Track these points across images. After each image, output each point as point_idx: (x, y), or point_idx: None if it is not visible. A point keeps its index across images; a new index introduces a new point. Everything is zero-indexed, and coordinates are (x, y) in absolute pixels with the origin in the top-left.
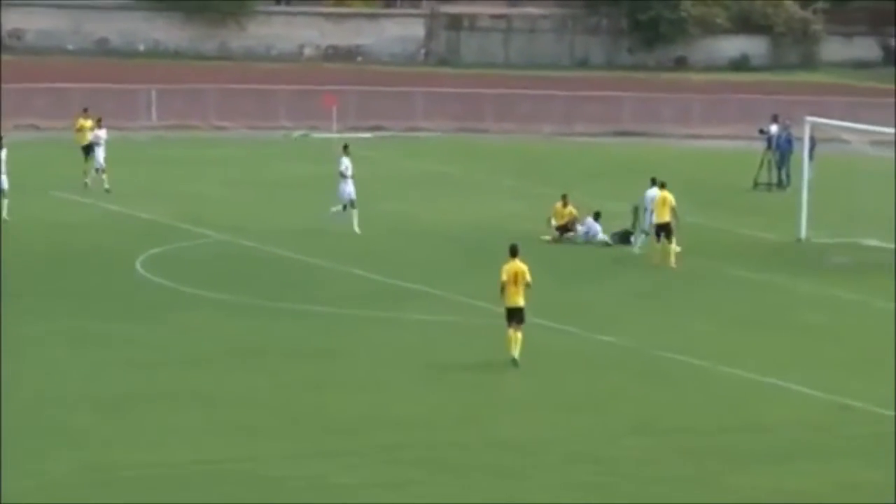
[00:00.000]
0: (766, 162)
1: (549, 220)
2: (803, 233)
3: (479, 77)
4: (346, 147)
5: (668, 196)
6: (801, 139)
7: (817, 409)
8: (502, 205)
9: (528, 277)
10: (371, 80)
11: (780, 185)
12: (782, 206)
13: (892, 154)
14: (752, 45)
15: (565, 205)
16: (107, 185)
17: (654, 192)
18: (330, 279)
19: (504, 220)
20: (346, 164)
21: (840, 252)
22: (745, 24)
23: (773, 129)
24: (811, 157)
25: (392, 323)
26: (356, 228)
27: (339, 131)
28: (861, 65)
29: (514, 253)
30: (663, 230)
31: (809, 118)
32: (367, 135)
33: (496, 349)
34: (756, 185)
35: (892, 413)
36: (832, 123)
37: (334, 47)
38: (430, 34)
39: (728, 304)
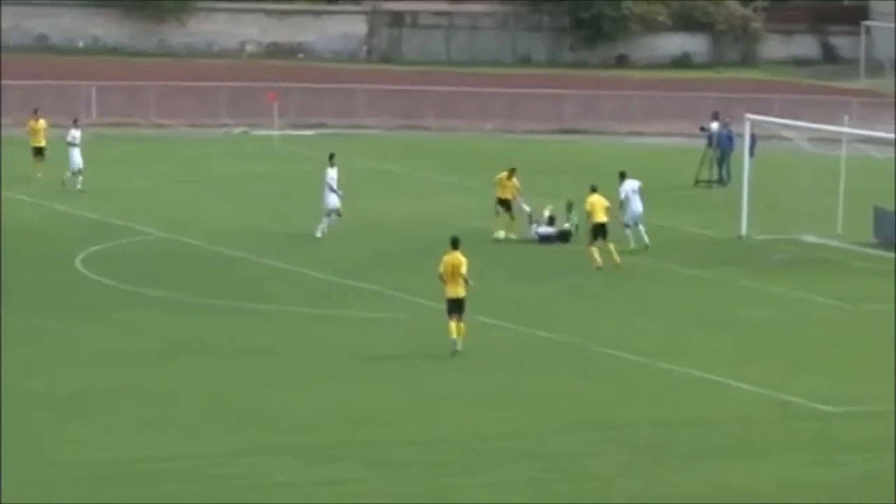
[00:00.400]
0: (707, 159)
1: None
2: (744, 230)
3: (422, 74)
4: (331, 157)
5: (602, 199)
6: (741, 136)
7: (757, 405)
8: (445, 201)
9: (464, 270)
10: (313, 78)
11: (720, 182)
12: (723, 203)
13: (831, 151)
14: (693, 43)
15: (510, 177)
16: (80, 186)
17: (631, 184)
18: (273, 277)
19: (447, 217)
20: (332, 175)
21: (780, 249)
22: (687, 22)
23: (714, 126)
24: (751, 154)
25: (335, 320)
26: (318, 234)
27: (280, 129)
28: (801, 62)
29: (454, 245)
30: (601, 231)
31: (750, 116)
32: (309, 132)
33: (438, 346)
34: (697, 182)
35: (831, 409)
36: (772, 121)
37: (276, 44)
38: (371, 31)
39: (669, 300)
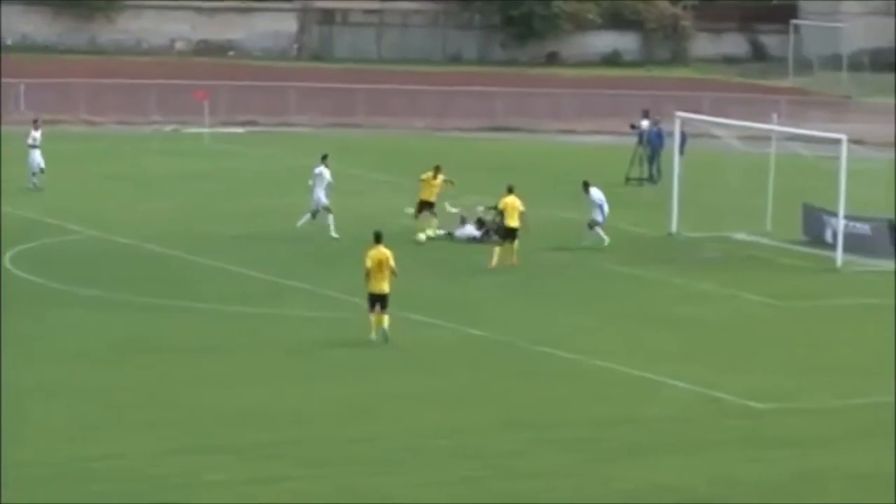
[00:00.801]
0: (637, 157)
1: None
2: (674, 227)
3: (352, 72)
4: (324, 158)
5: (517, 201)
6: (671, 135)
7: (689, 402)
8: (376, 200)
9: (392, 263)
10: (243, 75)
11: (651, 179)
12: (654, 201)
13: (761, 149)
14: (623, 41)
15: (435, 176)
16: (40, 185)
17: (598, 191)
18: (206, 276)
19: (378, 215)
20: (323, 173)
21: (710, 246)
22: (617, 21)
23: (645, 124)
24: (681, 152)
25: (269, 319)
26: (333, 233)
27: (211, 126)
28: (730, 61)
29: (378, 239)
30: (511, 234)
31: (680, 114)
32: (240, 130)
33: (373, 344)
34: (628, 180)
35: (762, 406)
36: (702, 119)
37: (206, 42)
38: (302, 29)
39: (600, 298)
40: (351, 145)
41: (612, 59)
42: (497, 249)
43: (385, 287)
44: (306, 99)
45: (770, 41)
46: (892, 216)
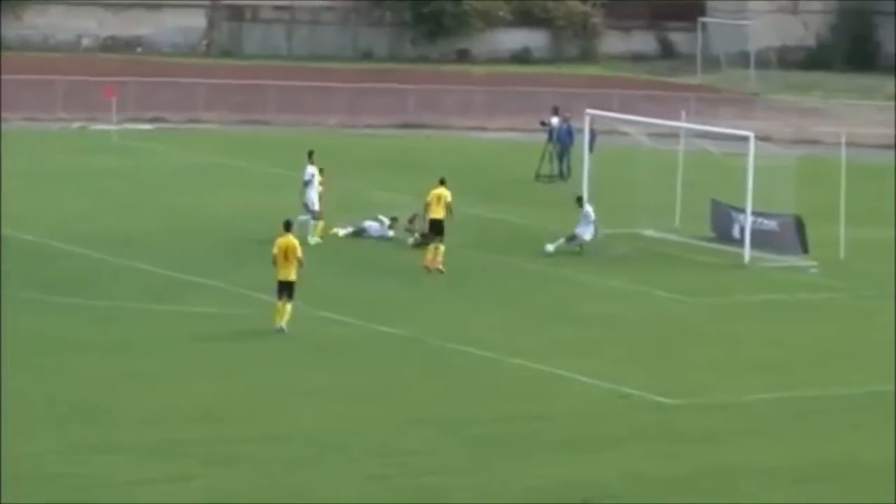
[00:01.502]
0: (547, 154)
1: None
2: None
3: (262, 69)
4: (310, 154)
5: (445, 192)
6: (581, 131)
7: (599, 398)
8: (286, 197)
9: (300, 254)
10: (151, 72)
11: (561, 176)
12: (564, 198)
13: (669, 146)
14: (533, 39)
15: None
16: None
17: (589, 209)
18: (112, 273)
19: (287, 212)
20: (310, 172)
21: (620, 243)
22: (526, 18)
23: (555, 121)
24: (591, 149)
25: (177, 316)
26: (311, 240)
27: (118, 123)
28: (639, 58)
29: (287, 228)
30: (436, 227)
31: (589, 111)
32: (148, 126)
33: (281, 341)
34: (538, 176)
35: (671, 401)
36: (612, 116)
37: (113, 38)
38: (211, 25)
39: (511, 295)
40: (261, 143)
41: (523, 57)
42: (431, 247)
43: (292, 275)
44: (216, 96)
45: (679, 39)
46: (799, 212)
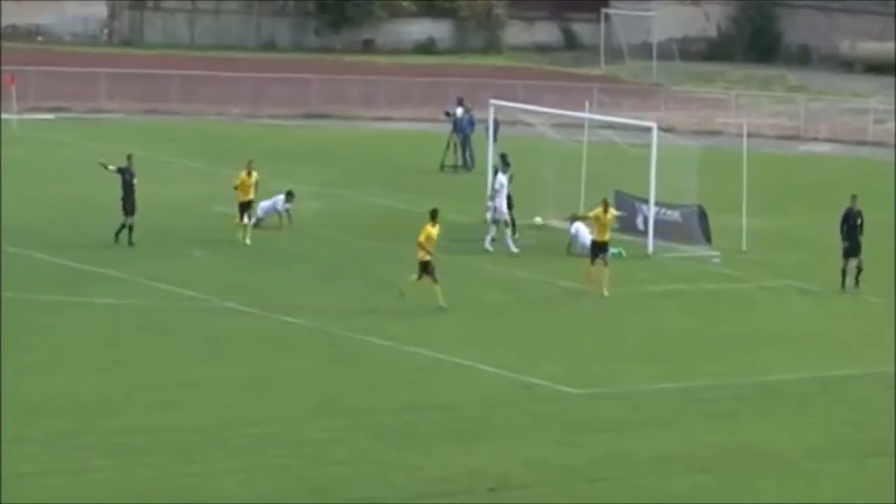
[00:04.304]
0: (452, 144)
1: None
2: (488, 214)
3: (165, 58)
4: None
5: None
6: (483, 121)
7: (502, 387)
8: (189, 187)
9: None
10: (52, 61)
11: (465, 166)
12: (468, 188)
13: (573, 136)
14: (437, 29)
15: (250, 173)
16: None
17: (504, 176)
18: (16, 264)
19: (191, 202)
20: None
21: (525, 233)
22: (431, 9)
23: (459, 112)
24: (495, 139)
25: (78, 307)
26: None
27: (19, 113)
28: (543, 49)
29: (433, 217)
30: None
31: (494, 101)
32: (49, 116)
33: (184, 332)
34: (443, 167)
35: (575, 391)
36: (516, 106)
37: (13, 26)
38: (113, 14)
39: (415, 285)
40: (164, 132)
41: (427, 47)
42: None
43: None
44: (118, 85)
45: (582, 30)
46: (702, 203)
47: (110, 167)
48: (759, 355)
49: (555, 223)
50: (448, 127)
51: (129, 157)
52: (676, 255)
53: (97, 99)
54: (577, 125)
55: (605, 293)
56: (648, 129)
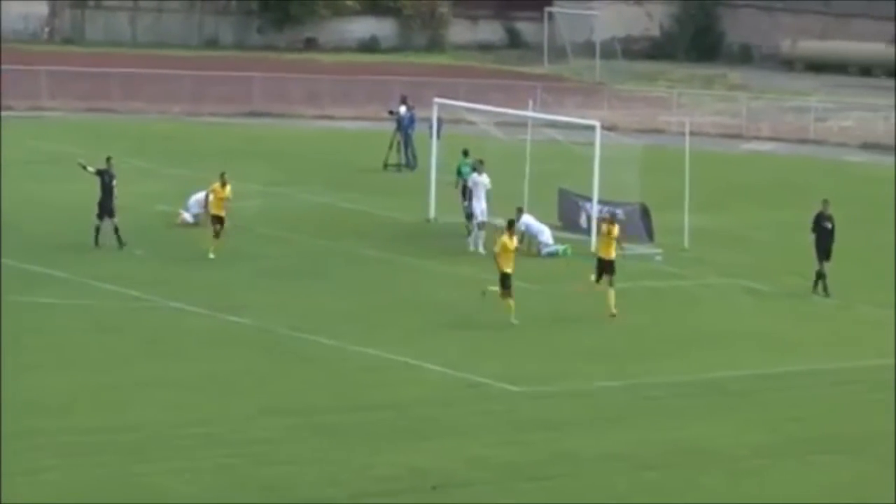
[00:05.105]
0: (395, 143)
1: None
2: (432, 213)
3: (106, 56)
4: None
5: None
6: (425, 120)
7: (448, 386)
8: (131, 186)
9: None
10: None
11: (408, 165)
12: (412, 187)
13: (517, 135)
14: (381, 28)
15: (224, 185)
16: None
17: (481, 177)
18: None
19: (134, 201)
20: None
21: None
22: (374, 7)
23: (403, 110)
24: (439, 137)
25: (20, 307)
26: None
27: None
28: (486, 48)
29: (510, 226)
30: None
31: (437, 100)
32: None
33: (127, 331)
34: (386, 166)
35: (520, 389)
36: (459, 105)
37: None
38: (53, 12)
39: (361, 284)
40: (106, 131)
41: (371, 46)
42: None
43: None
44: (59, 83)
45: (525, 28)
46: (644, 201)
47: (89, 168)
48: (703, 353)
49: (500, 221)
50: (392, 125)
51: (109, 160)
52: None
53: (38, 97)
54: (521, 124)
55: (614, 312)
56: (591, 128)
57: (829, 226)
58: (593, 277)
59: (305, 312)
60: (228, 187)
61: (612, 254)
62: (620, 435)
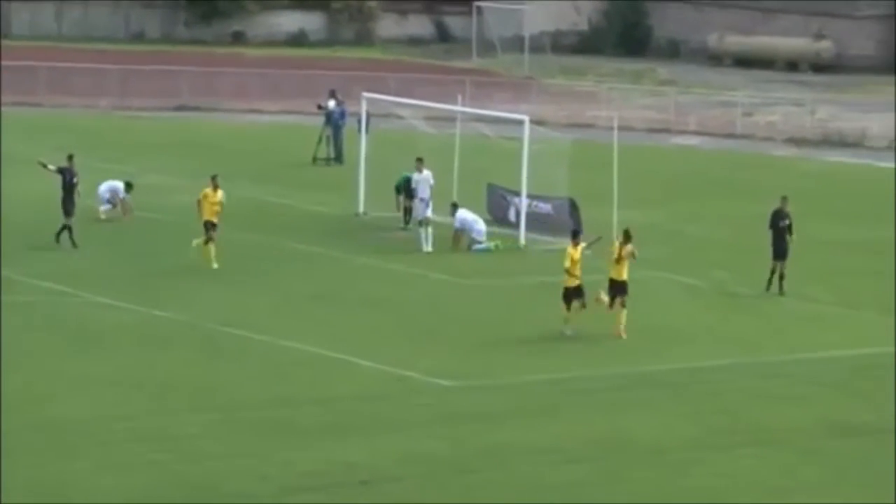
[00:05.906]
0: (324, 137)
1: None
2: (361, 207)
3: (31, 49)
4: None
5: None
6: (354, 114)
7: (378, 380)
8: (58, 179)
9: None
10: None
11: (337, 159)
12: (341, 181)
13: (446, 129)
14: (309, 21)
15: (216, 189)
16: None
17: (423, 175)
18: None
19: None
20: None
21: (397, 226)
22: (303, 1)
23: (331, 104)
24: (366, 131)
25: None
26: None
27: None
28: (415, 42)
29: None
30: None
31: (366, 94)
32: None
33: (60, 328)
34: (315, 160)
35: (450, 383)
36: (388, 99)
37: None
38: None
39: (289, 278)
40: (32, 125)
41: (299, 39)
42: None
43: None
44: None
45: (454, 23)
46: (573, 195)
47: (50, 167)
48: (633, 346)
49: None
50: (320, 120)
51: (70, 158)
52: (549, 247)
53: None
54: (450, 118)
55: (623, 336)
56: (520, 122)
57: (786, 223)
58: (605, 298)
59: (232, 307)
60: (220, 192)
61: (625, 275)
62: (551, 428)
